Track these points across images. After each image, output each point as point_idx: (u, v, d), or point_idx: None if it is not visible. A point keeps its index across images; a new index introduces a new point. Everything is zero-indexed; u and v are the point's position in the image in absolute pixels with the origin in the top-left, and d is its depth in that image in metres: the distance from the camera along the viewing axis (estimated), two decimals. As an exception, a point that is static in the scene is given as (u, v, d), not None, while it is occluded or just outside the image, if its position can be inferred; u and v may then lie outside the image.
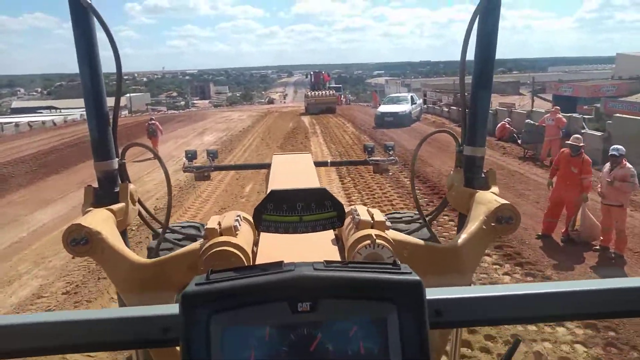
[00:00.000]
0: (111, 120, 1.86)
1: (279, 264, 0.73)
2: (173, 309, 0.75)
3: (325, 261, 0.75)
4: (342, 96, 55.90)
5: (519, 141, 16.87)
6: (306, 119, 31.36)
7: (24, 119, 40.19)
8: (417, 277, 0.71)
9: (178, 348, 0.69)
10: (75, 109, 59.47)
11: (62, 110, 60.63)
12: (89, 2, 1.66)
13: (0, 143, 24.35)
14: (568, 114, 19.08)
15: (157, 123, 19.10)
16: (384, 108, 26.19)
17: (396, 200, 11.15)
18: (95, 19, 1.71)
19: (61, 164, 17.75)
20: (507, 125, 19.06)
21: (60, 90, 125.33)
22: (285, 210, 0.98)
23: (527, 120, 16.73)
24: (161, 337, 0.76)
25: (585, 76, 76.28)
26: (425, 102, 63.03)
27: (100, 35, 1.74)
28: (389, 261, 1.17)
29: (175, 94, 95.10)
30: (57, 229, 9.62)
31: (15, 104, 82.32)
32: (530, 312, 0.84)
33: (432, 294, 0.78)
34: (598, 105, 31.16)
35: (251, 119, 34.78)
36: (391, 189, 12.24)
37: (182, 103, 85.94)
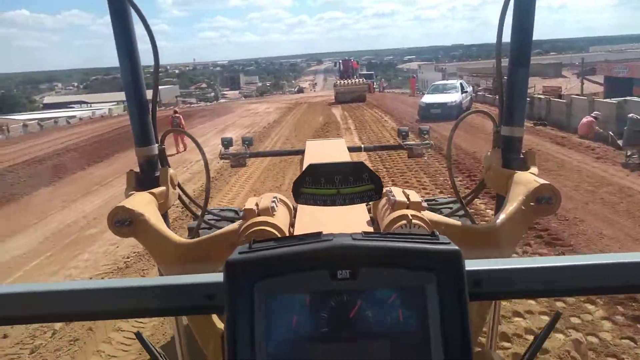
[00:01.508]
0: (150, 109, 1.85)
1: (318, 234, 0.74)
2: (217, 277, 0.76)
3: (364, 232, 0.74)
4: (375, 83, 52.00)
5: (620, 142, 12.64)
6: (337, 112, 27.62)
7: (52, 114, 38.87)
8: (456, 247, 0.70)
9: (215, 317, 0.80)
10: (106, 102, 57.96)
11: (93, 105, 59.33)
12: None
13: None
14: (626, 97, 15.99)
15: (181, 116, 18.45)
16: (429, 98, 22.07)
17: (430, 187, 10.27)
18: (133, 12, 1.72)
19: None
20: (593, 120, 14.83)
21: (95, 84, 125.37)
22: (323, 183, 0.96)
23: (630, 115, 12.40)
24: (206, 303, 0.78)
25: (632, 55, 70.72)
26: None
27: (137, 28, 1.75)
28: None
29: (204, 85, 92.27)
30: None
31: (48, 99, 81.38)
32: (575, 284, 0.80)
33: (472, 265, 0.77)
34: None
35: (278, 112, 31.43)
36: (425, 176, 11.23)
37: (212, 94, 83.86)
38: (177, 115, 18.19)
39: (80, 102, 67.04)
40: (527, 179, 1.63)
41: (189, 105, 48.54)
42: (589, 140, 14.55)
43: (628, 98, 16.01)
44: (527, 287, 0.81)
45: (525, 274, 0.80)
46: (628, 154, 11.84)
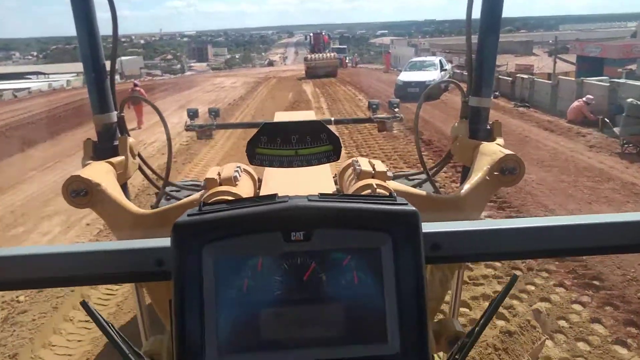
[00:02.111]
0: (107, 74, 1.80)
1: (273, 196, 0.71)
2: (166, 242, 0.72)
3: (320, 193, 0.72)
4: (347, 58, 50.41)
5: (616, 130, 11.53)
6: (308, 88, 26.07)
7: (1, 86, 36.32)
8: (413, 208, 0.69)
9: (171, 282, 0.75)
10: (65, 74, 54.70)
11: (51, 76, 56.05)
12: None
13: None
14: (597, 78, 15.75)
15: (142, 90, 17.32)
16: (406, 76, 20.46)
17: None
18: None
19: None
20: (584, 105, 13.74)
21: (55, 53, 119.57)
22: (279, 144, 0.91)
23: (630, 100, 11.27)
24: (155, 269, 0.75)
25: (602, 35, 71.32)
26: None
27: None
28: None
29: (170, 57, 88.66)
30: None
31: (1, 69, 76.44)
32: (535, 245, 0.81)
33: (430, 227, 0.76)
34: (632, 67, 27.32)
35: (245, 87, 29.65)
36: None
37: (178, 67, 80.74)
38: (137, 88, 16.86)
39: (37, 73, 62.80)
40: (493, 150, 1.64)
41: (151, 77, 45.90)
42: (577, 125, 13.51)
43: (622, 80, 15.02)
44: (486, 250, 0.80)
45: (483, 236, 0.79)
46: (623, 142, 10.80)
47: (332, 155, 0.92)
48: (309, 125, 0.92)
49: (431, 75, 19.81)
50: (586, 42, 44.33)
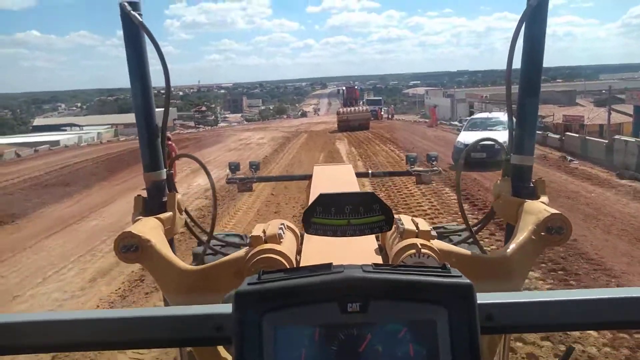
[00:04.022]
0: (159, 132, 1.81)
1: (328, 265, 0.72)
2: (225, 308, 0.75)
3: (374, 264, 0.73)
4: (383, 110, 46.83)
5: None
6: (342, 146, 22.20)
7: (32, 139, 34.53)
8: (468, 281, 0.69)
9: (221, 348, 0.78)
10: (99, 125, 53.24)
11: (85, 127, 54.71)
12: (140, 20, 1.65)
13: None
14: None
15: (173, 144, 12.25)
16: (468, 137, 15.71)
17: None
18: (145, 36, 1.70)
19: None
20: None
21: (96, 105, 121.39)
22: (333, 214, 0.94)
23: None
24: (214, 335, 0.76)
25: None
26: (471, 114, 54.39)
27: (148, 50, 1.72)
28: None
29: (204, 108, 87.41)
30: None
31: (39, 120, 76.25)
32: (587, 318, 0.78)
33: (484, 298, 0.75)
34: None
35: (272, 143, 26.12)
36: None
37: (212, 118, 79.26)
38: (169, 142, 12.91)
39: (71, 125, 61.88)
40: (538, 208, 1.59)
41: (178, 131, 43.14)
42: None
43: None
44: (539, 321, 0.79)
45: (537, 308, 0.77)
46: None
47: (385, 224, 0.93)
48: (362, 196, 0.94)
49: (500, 137, 15.21)
50: (643, 91, 40.12)
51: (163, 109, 1.86)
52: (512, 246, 1.50)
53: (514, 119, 1.73)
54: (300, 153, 20.67)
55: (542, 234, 1.49)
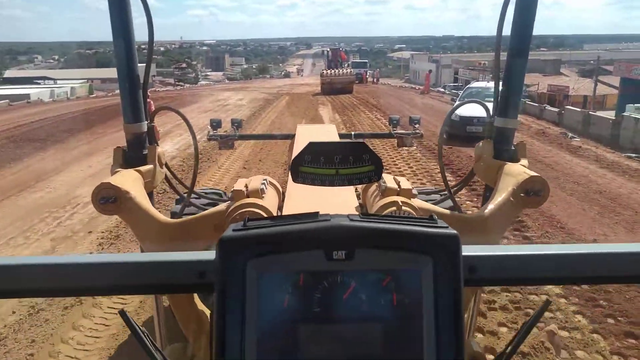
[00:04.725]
0: (141, 84, 1.78)
1: (315, 214, 0.71)
2: (209, 255, 0.74)
3: (362, 213, 0.72)
4: (369, 74, 44.88)
5: None
6: (325, 112, 20.53)
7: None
8: (454, 231, 0.68)
9: (198, 300, 0.76)
10: (74, 80, 50.15)
11: (58, 81, 51.63)
12: None
13: None
14: None
15: (152, 102, 10.74)
16: (465, 110, 13.07)
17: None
18: None
19: None
20: None
21: (74, 57, 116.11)
22: (322, 163, 0.91)
23: None
24: (197, 281, 0.75)
25: (627, 55, 66.31)
26: (456, 80, 52.77)
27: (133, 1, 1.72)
28: None
29: (184, 65, 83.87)
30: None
31: (10, 72, 71.83)
32: (568, 272, 0.80)
33: (467, 250, 0.74)
34: None
35: (251, 106, 24.29)
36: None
37: (192, 76, 76.07)
38: (147, 100, 11.58)
39: (45, 78, 58.33)
40: (518, 171, 1.60)
41: (155, 89, 40.66)
42: None
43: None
44: (521, 275, 0.80)
45: (518, 261, 0.78)
46: None
47: (374, 175, 0.91)
48: (352, 146, 0.92)
49: None
50: (634, 63, 38.95)
51: (145, 63, 1.80)
52: (490, 206, 1.51)
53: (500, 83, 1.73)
54: (280, 119, 18.95)
55: (521, 195, 1.50)
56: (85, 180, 10.05)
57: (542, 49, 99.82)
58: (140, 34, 1.75)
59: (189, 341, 1.23)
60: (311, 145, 0.91)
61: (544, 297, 5.00)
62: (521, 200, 1.51)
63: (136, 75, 1.72)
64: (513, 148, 1.74)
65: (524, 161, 1.71)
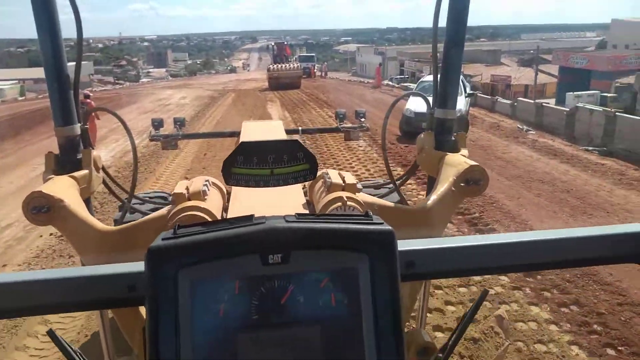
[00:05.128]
0: (72, 85, 1.68)
1: (250, 217, 0.69)
2: (138, 266, 0.70)
3: (297, 214, 0.70)
4: (316, 68, 43.99)
5: None
6: (274, 111, 19.50)
7: None
8: (389, 227, 0.68)
9: (142, 308, 0.68)
10: (3, 81, 46.56)
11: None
12: None
13: None
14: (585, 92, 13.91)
15: (93, 103, 12.66)
16: (418, 105, 11.90)
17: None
18: None
19: None
20: None
21: (4, 56, 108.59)
22: (255, 163, 0.89)
23: None
24: (127, 295, 0.72)
25: (564, 44, 69.19)
26: (402, 72, 52.89)
27: None
28: None
29: (124, 62, 79.99)
30: None
31: None
32: (505, 261, 0.81)
33: (404, 245, 0.76)
34: (624, 80, 25.46)
35: (195, 104, 22.96)
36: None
37: (133, 73, 72.63)
38: (87, 100, 12.11)
39: (-31, 79, 53.80)
40: (458, 161, 1.61)
41: (91, 89, 38.20)
42: None
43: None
44: (458, 267, 0.81)
45: (455, 254, 0.78)
46: None
47: (309, 174, 0.90)
48: (285, 144, 0.89)
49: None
50: (571, 52, 40.27)
51: (75, 62, 1.68)
52: (432, 197, 1.52)
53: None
54: (226, 119, 17.75)
55: (461, 185, 1.52)
56: (6, 198, 8.70)
57: (481, 39, 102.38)
58: (72, 29, 1.66)
59: (135, 352, 1.15)
60: (243, 145, 0.88)
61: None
62: (462, 190, 1.52)
63: (65, 75, 1.63)
64: (453, 138, 1.75)
65: (464, 151, 1.72)
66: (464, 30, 1.68)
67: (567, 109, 13.33)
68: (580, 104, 13.32)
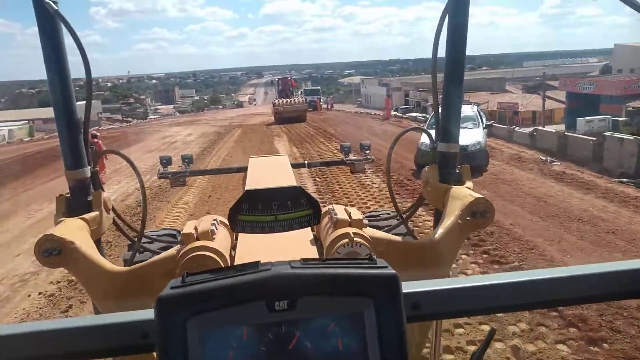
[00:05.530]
0: (82, 128, 1.70)
1: (256, 263, 0.69)
2: (151, 314, 0.69)
3: (302, 259, 0.71)
4: (322, 100, 43.77)
5: None
6: (282, 146, 18.90)
7: None
8: (393, 271, 0.68)
9: (154, 354, 0.72)
10: (14, 121, 46.59)
11: (-2, 123, 47.88)
12: (56, 8, 1.52)
13: None
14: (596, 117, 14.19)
15: (100, 142, 12.63)
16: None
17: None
18: (62, 25, 1.57)
19: None
20: None
21: (16, 97, 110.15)
22: (260, 210, 0.93)
23: None
24: (140, 342, 0.73)
25: (567, 70, 69.31)
26: (407, 102, 52.68)
27: (68, 41, 1.62)
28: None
29: (132, 100, 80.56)
30: None
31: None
32: (509, 301, 0.82)
33: (409, 287, 0.76)
34: (635, 104, 25.96)
35: (200, 141, 22.34)
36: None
37: (141, 110, 73.03)
38: (95, 140, 12.04)
39: (-21, 121, 54.04)
40: (463, 194, 1.62)
41: (97, 128, 38.02)
42: None
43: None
44: (464, 307, 0.81)
45: (461, 294, 0.79)
46: None
47: (312, 219, 0.90)
48: (289, 191, 0.91)
49: (473, 137, 11.93)
50: (579, 78, 39.88)
51: (85, 102, 1.72)
52: (439, 231, 1.53)
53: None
54: (232, 156, 17.10)
55: (468, 218, 1.52)
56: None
57: (484, 68, 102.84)
58: (82, 70, 1.64)
59: None
60: (248, 194, 0.91)
61: None
62: (468, 223, 1.52)
63: (76, 118, 1.63)
64: (457, 171, 1.77)
65: (469, 183, 1.73)
66: (463, 64, 1.67)
67: (594, 138, 12.54)
68: (608, 133, 12.51)
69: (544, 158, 13.05)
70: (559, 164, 12.51)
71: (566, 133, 14.16)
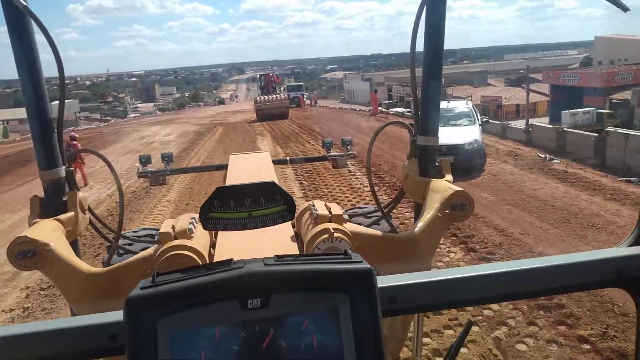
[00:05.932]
0: (55, 127, 1.64)
1: (228, 261, 0.68)
2: (119, 315, 0.68)
3: (276, 256, 0.70)
4: (306, 96, 42.83)
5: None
6: (265, 144, 18.03)
7: None
8: (367, 265, 0.67)
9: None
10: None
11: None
12: (25, 4, 1.45)
13: None
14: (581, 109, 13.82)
15: (79, 145, 13.09)
16: None
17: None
18: (33, 22, 1.50)
19: None
20: None
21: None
22: (232, 207, 0.89)
23: None
24: (108, 344, 0.71)
25: (548, 63, 69.54)
26: (390, 97, 51.98)
27: (40, 38, 1.56)
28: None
29: (111, 98, 78.47)
30: None
31: None
32: (485, 292, 0.82)
33: (386, 281, 0.76)
34: (619, 96, 25.48)
35: (182, 139, 21.29)
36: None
37: (120, 109, 71.24)
38: (74, 143, 12.67)
39: (-49, 123, 52.05)
40: (443, 187, 1.61)
41: (73, 128, 36.56)
42: None
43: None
44: (442, 300, 0.81)
45: (438, 287, 0.78)
46: None
47: (287, 215, 0.89)
48: (262, 186, 0.89)
49: (470, 134, 11.27)
50: (562, 70, 39.62)
51: (58, 101, 1.66)
52: (419, 224, 1.52)
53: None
54: (212, 157, 16.12)
55: (447, 211, 1.50)
56: None
57: (465, 62, 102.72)
58: (53, 70, 1.68)
59: None
60: (219, 190, 0.88)
61: None
62: (448, 216, 1.50)
63: (48, 117, 1.58)
64: (437, 164, 1.75)
65: (448, 177, 1.72)
66: (441, 59, 1.65)
67: (596, 134, 11.86)
68: (611, 129, 11.85)
69: (542, 156, 12.39)
70: (558, 162, 11.84)
71: (565, 129, 13.57)
